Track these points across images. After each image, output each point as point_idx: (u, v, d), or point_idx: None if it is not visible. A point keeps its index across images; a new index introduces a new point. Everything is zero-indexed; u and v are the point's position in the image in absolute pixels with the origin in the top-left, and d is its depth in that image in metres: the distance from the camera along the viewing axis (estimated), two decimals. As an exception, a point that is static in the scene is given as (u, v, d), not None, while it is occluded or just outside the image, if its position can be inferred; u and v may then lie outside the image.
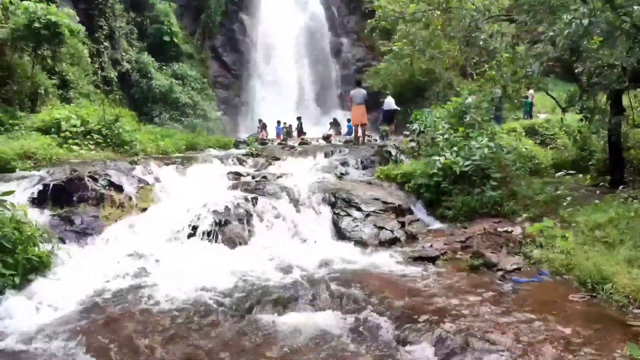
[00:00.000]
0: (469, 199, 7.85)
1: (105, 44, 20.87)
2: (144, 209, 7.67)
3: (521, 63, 9.65)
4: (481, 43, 10.44)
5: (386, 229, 7.10)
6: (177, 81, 23.45)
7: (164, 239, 6.79)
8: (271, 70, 30.03)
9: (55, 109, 11.61)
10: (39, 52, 14.63)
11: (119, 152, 11.29)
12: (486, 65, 13.89)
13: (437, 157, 8.35)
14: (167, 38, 23.83)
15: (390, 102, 16.75)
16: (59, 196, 7.38)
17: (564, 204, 6.33)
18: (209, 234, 6.87)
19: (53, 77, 16.27)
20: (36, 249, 5.44)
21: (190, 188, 8.66)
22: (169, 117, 22.00)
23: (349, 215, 7.54)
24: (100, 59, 20.52)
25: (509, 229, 6.61)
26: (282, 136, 22.98)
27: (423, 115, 10.13)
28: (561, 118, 14.98)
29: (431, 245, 6.43)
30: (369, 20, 13.57)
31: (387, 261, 5.86)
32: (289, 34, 30.06)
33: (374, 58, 29.63)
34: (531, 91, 20.99)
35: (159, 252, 6.32)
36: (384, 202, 7.97)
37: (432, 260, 5.73)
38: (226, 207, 7.37)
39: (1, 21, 14.16)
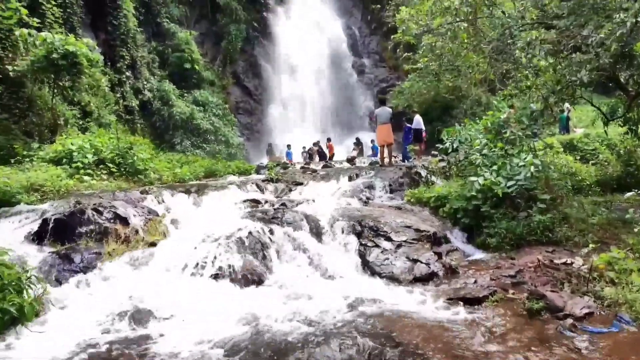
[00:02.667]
0: (514, 224, 6.88)
1: (127, 73, 20.86)
2: (152, 244, 6.99)
3: (564, 72, 8.76)
4: (517, 52, 9.59)
5: (421, 262, 6.19)
6: (198, 108, 23.23)
7: (170, 278, 6.05)
8: (293, 94, 29.71)
9: (69, 139, 11.24)
10: (59, 83, 14.49)
11: (133, 181, 10.78)
12: (520, 75, 12.98)
13: (475, 178, 7.44)
14: (187, 65, 23.76)
15: (419, 121, 15.91)
16: (60, 231, 6.81)
17: (636, 229, 5.30)
18: (220, 271, 6.10)
19: (74, 108, 16.15)
20: (24, 295, 4.80)
21: (203, 218, 7.97)
22: (191, 144, 21.68)
23: (377, 246, 6.68)
24: (122, 89, 20.47)
25: (568, 260, 5.62)
26: (292, 160, 22.29)
27: (456, 131, 9.24)
28: (605, 131, 13.86)
29: (475, 281, 5.49)
30: (392, 36, 12.90)
31: (424, 303, 4.95)
32: (311, 57, 29.78)
33: (397, 78, 29.05)
34: (567, 104, 19.87)
35: (163, 293, 5.58)
36: (417, 230, 7.09)
37: (479, 301, 4.79)
38: (240, 239, 6.62)
39: (22, 54, 14.14)
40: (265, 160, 21.92)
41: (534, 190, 7.23)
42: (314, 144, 23.91)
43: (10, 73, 13.54)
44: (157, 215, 7.88)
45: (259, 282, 6.07)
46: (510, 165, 7.33)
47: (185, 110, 22.17)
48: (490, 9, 10.95)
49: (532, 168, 6.99)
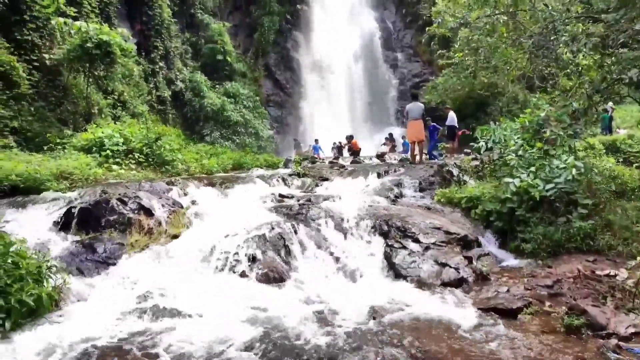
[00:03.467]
0: (552, 229, 6.46)
1: (161, 63, 21.07)
2: (174, 236, 6.92)
3: (611, 68, 8.20)
4: (560, 48, 9.06)
5: (450, 266, 5.88)
6: (229, 100, 23.27)
7: (190, 271, 5.96)
8: (325, 87, 29.44)
9: (99, 127, 11.35)
10: (94, 72, 14.70)
11: (160, 171, 10.80)
12: (561, 73, 12.31)
13: (510, 179, 7.03)
14: (220, 57, 23.82)
15: (453, 118, 15.42)
16: (85, 220, 6.82)
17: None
18: (241, 267, 5.97)
19: (108, 97, 16.39)
20: (44, 284, 4.77)
21: (227, 212, 7.86)
22: (220, 135, 21.75)
23: (404, 247, 6.39)
24: (155, 79, 20.69)
25: (611, 271, 5.21)
26: (319, 154, 21.87)
27: (490, 130, 8.79)
28: (652, 132, 13.08)
29: (508, 290, 5.15)
30: (428, 28, 12.50)
31: (452, 311, 4.66)
32: (343, 51, 29.43)
33: (431, 73, 28.35)
34: (610, 104, 18.88)
35: (183, 288, 5.49)
36: (446, 232, 6.76)
37: (512, 313, 4.46)
38: (263, 235, 6.47)
39: (58, 43, 14.41)
40: (292, 155, 21.78)
41: (574, 194, 6.78)
42: (347, 138, 23.51)
43: (47, 61, 13.83)
44: (182, 207, 7.82)
45: (280, 280, 5.90)
46: (550, 167, 6.88)
47: (217, 101, 22.25)
48: (533, 1, 10.39)
49: (574, 170, 6.53)
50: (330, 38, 29.55)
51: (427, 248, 6.38)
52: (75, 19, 14.24)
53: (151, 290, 5.42)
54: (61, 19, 13.30)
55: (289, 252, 6.41)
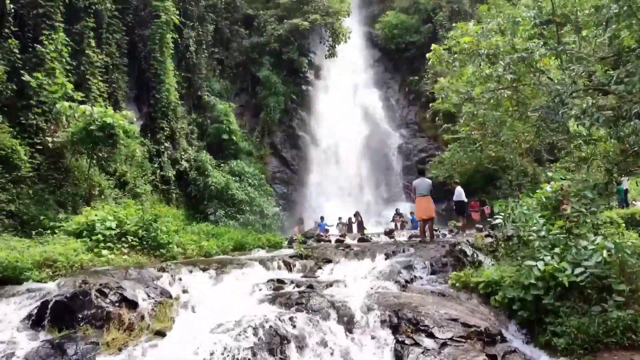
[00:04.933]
0: (587, 321, 5.64)
1: (166, 144, 21.14)
2: (158, 332, 6.16)
3: (629, 139, 7.75)
4: (571, 120, 8.70)
5: (472, 369, 5.04)
6: (234, 178, 23.05)
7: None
8: (331, 164, 29.46)
9: (93, 210, 10.92)
10: (97, 154, 14.60)
11: (154, 255, 10.17)
12: (572, 146, 11.93)
13: (533, 262, 6.31)
14: (225, 136, 23.99)
15: (460, 192, 14.91)
16: (60, 315, 6.15)
17: None
18: (229, 372, 5.17)
19: (110, 178, 16.21)
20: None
21: (219, 301, 7.15)
22: (224, 214, 21.24)
23: (417, 344, 5.58)
24: (160, 159, 20.66)
25: (667, 377, 4.35)
26: (323, 232, 21.22)
27: (509, 207, 8.16)
28: (673, 205, 12.43)
29: (545, 403, 4.29)
30: (431, 104, 12.37)
31: None
32: (349, 129, 29.74)
33: (436, 148, 28.37)
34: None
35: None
36: (465, 325, 5.95)
37: None
38: (255, 331, 5.70)
39: (63, 126, 14.49)
40: (296, 232, 21.17)
41: (606, 279, 6.03)
42: (355, 214, 23.17)
43: (50, 144, 13.80)
44: (170, 297, 7.12)
45: (275, 387, 5.07)
46: (577, 248, 6.18)
47: (221, 180, 22.03)
48: (537, 75, 10.24)
49: (604, 252, 5.82)
50: (336, 116, 30.02)
51: (443, 344, 5.56)
52: (82, 102, 14.38)
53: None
54: (67, 103, 13.39)
55: (285, 351, 5.61)
